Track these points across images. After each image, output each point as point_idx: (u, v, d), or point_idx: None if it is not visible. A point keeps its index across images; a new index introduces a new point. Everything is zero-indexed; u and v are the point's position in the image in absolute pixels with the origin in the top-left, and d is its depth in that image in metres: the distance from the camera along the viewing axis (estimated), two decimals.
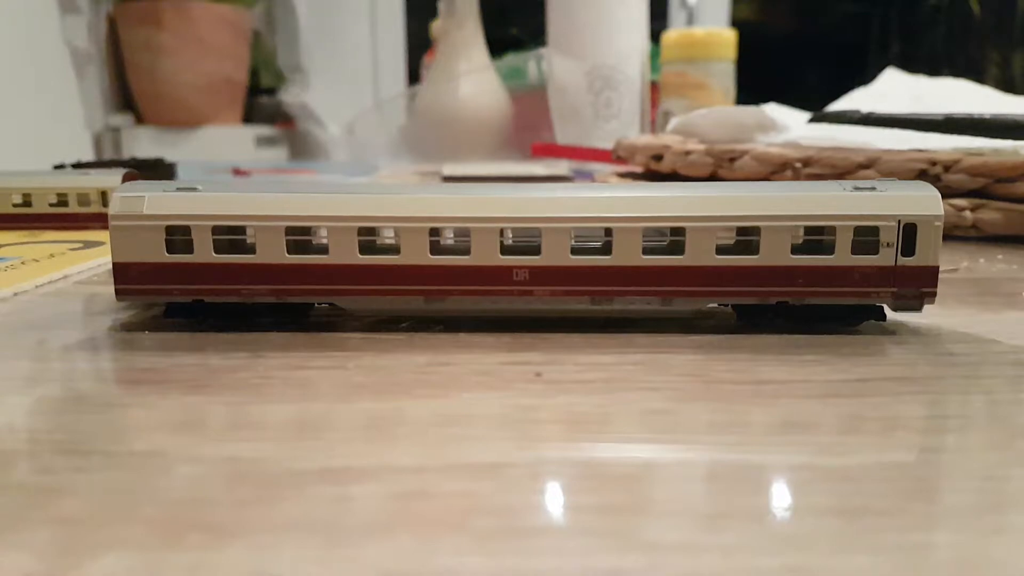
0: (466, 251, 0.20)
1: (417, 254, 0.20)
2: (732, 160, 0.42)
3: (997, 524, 0.11)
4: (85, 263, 0.29)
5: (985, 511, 0.12)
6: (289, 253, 0.20)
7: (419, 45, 1.31)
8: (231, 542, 0.11)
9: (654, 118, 0.80)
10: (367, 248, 0.20)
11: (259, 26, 1.48)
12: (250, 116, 1.48)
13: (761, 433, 0.15)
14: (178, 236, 0.20)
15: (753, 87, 0.84)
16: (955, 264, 0.29)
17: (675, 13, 1.59)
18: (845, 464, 0.13)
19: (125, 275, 0.20)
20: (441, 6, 0.82)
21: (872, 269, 0.19)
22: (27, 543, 0.11)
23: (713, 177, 0.43)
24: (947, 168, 0.34)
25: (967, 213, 0.34)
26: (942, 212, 0.19)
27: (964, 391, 0.17)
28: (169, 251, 0.20)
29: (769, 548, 0.11)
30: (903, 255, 0.19)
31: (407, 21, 1.59)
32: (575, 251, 0.20)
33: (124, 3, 1.28)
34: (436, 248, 0.20)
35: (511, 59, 0.85)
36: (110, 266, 0.20)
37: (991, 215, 0.33)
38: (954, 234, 0.34)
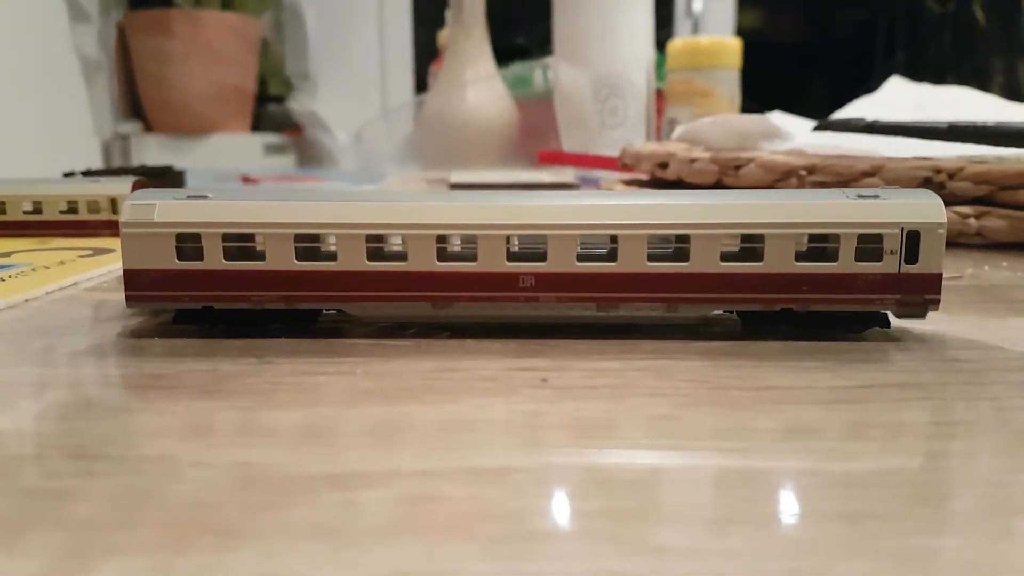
0: (473, 258, 0.20)
1: (424, 261, 0.20)
2: (737, 168, 0.42)
3: (1001, 529, 0.11)
4: (95, 270, 0.30)
5: (989, 516, 0.12)
6: (298, 260, 0.20)
7: (426, 54, 1.32)
8: (240, 546, 0.11)
9: (660, 126, 0.81)
10: (375, 255, 0.20)
11: (267, 35, 1.49)
12: (258, 124, 1.49)
13: (766, 439, 0.15)
14: (188, 243, 0.20)
15: (758, 95, 0.84)
16: (960, 271, 0.29)
17: (681, 22, 1.60)
18: (849, 470, 0.13)
19: (136, 282, 0.20)
20: (449, 15, 0.82)
21: (876, 276, 0.19)
22: (37, 547, 0.11)
23: (718, 185, 0.43)
24: (951, 176, 0.34)
25: (972, 220, 0.34)
26: (945, 219, 0.19)
27: (968, 397, 0.17)
28: (179, 258, 0.20)
29: (773, 552, 0.11)
30: (906, 262, 0.19)
31: (415, 30, 1.60)
32: (581, 258, 0.20)
33: (134, 12, 1.29)
34: (443, 255, 0.20)
35: (517, 68, 0.86)
36: (120, 273, 0.21)
37: (996, 222, 0.33)
38: (959, 241, 0.34)
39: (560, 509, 0.12)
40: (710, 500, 0.12)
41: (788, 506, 0.12)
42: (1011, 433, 0.15)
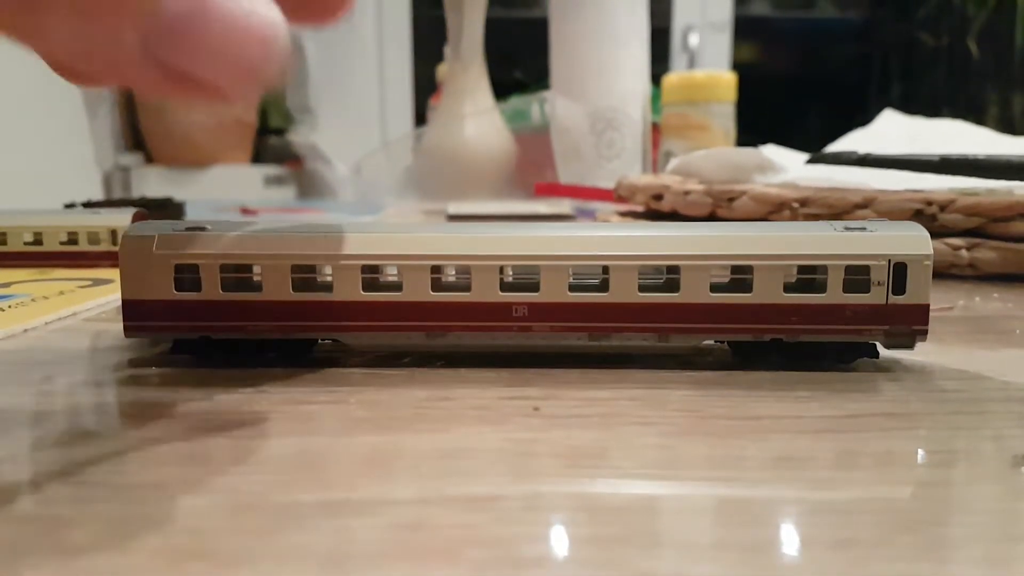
0: (467, 288, 0.20)
1: (419, 291, 0.20)
2: (731, 200, 0.42)
3: (986, 556, 0.11)
4: (94, 300, 0.30)
5: (975, 544, 0.12)
6: (294, 290, 0.20)
7: (426, 87, 1.33)
8: (232, 572, 0.11)
9: (656, 158, 0.81)
10: (370, 285, 0.21)
11: None
12: (259, 156, 1.50)
13: (755, 468, 0.15)
14: (186, 274, 0.20)
15: (753, 128, 0.85)
16: (951, 302, 0.30)
17: (677, 56, 1.62)
18: (837, 498, 0.13)
19: (134, 312, 0.21)
20: (447, 50, 0.83)
21: (864, 307, 0.20)
22: (32, 574, 0.11)
23: (712, 217, 0.43)
24: (943, 208, 0.35)
25: (963, 252, 0.34)
26: (931, 251, 0.20)
27: (954, 427, 0.17)
28: (177, 289, 0.20)
29: None
30: (894, 293, 0.20)
31: (414, 64, 1.62)
32: (573, 288, 0.20)
33: None
34: (437, 285, 0.21)
35: (515, 101, 0.87)
36: (119, 303, 0.21)
37: (987, 254, 0.34)
38: (951, 273, 0.34)
39: (549, 536, 0.12)
40: (698, 528, 0.13)
41: (776, 534, 0.12)
42: (995, 462, 0.15)
